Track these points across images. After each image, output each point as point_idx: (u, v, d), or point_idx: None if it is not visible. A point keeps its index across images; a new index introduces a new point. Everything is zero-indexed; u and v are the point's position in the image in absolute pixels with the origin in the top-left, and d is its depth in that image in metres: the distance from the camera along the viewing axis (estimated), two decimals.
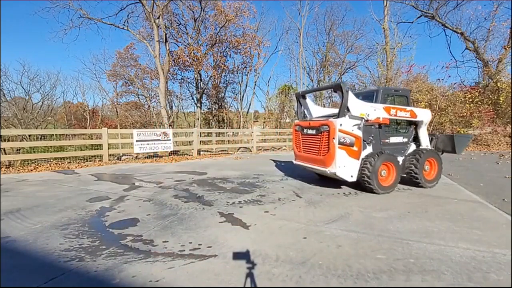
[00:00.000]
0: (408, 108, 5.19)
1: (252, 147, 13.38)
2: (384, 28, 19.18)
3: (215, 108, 21.57)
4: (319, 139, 4.80)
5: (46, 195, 4.55)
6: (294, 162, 5.81)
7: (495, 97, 14.35)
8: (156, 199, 4.27)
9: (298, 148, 5.54)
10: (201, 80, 20.42)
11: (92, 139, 11.23)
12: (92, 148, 10.53)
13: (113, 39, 39.38)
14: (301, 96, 5.72)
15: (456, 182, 5.52)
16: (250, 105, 25.14)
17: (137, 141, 9.31)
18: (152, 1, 13.31)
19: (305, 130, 5.25)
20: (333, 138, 4.43)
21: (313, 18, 37.21)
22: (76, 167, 7.86)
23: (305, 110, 5.86)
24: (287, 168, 7.53)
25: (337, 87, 4.51)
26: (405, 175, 5.13)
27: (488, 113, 14.33)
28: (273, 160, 9.42)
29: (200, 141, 12.24)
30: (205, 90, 20.68)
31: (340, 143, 4.41)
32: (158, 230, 2.98)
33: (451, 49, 36.74)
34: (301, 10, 24.54)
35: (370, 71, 23.24)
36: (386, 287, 1.90)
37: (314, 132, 4.96)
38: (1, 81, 16.48)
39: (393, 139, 5.19)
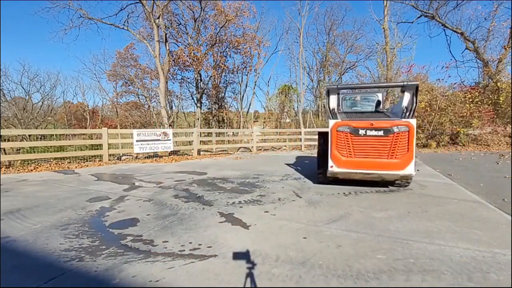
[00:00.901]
0: None
1: (252, 147, 13.38)
2: (384, 28, 19.19)
3: (215, 108, 21.60)
4: (389, 141, 4.44)
5: (46, 195, 4.55)
6: (334, 170, 4.73)
7: (495, 97, 14.36)
8: (156, 199, 4.27)
9: (346, 152, 4.65)
10: (201, 80, 20.44)
11: (92, 139, 11.22)
12: (92, 148, 10.53)
13: (113, 39, 39.57)
14: (336, 91, 5.17)
15: (456, 182, 5.52)
16: (250, 105, 25.20)
17: (137, 141, 9.31)
18: (152, 1, 13.32)
19: (361, 131, 4.55)
20: (413, 139, 4.36)
21: (313, 18, 37.20)
22: (76, 167, 7.86)
23: (334, 108, 5.24)
24: (287, 168, 7.53)
25: (413, 87, 4.41)
26: None
27: (488, 113, 14.33)
28: (273, 160, 9.42)
29: (200, 141, 12.24)
30: (205, 90, 20.70)
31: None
32: (158, 230, 2.98)
33: (451, 49, 36.80)
34: (301, 10, 24.57)
35: (370, 71, 23.35)
36: (386, 287, 1.90)
37: (381, 133, 4.45)
38: (1, 81, 16.49)
39: None
